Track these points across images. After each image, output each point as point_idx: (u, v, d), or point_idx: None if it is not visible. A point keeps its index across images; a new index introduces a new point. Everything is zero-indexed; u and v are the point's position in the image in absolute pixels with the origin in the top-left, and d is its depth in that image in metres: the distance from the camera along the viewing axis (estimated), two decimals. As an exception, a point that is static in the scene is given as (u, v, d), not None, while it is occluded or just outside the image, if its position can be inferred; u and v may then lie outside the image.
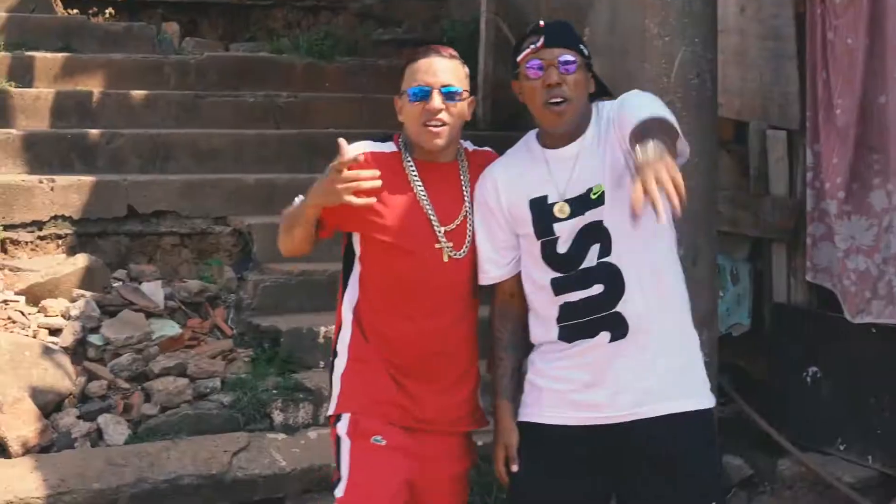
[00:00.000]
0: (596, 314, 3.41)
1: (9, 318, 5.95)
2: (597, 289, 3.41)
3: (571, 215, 3.43)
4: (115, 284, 6.52)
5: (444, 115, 3.48)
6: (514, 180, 3.53)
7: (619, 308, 3.39)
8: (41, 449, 5.32)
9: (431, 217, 3.55)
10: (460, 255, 3.56)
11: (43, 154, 7.15)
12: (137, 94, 7.82)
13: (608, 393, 3.41)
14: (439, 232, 3.55)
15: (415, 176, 3.56)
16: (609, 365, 3.41)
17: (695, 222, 5.31)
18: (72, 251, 6.74)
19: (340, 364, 3.71)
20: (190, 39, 9.13)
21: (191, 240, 7.08)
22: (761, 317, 6.34)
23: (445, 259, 3.55)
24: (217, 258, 6.99)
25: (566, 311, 3.46)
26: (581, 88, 3.41)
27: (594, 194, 3.41)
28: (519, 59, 3.45)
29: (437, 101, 3.46)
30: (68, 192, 6.78)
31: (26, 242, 6.72)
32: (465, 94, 3.54)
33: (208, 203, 7.10)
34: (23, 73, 7.79)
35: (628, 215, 3.23)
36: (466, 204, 3.59)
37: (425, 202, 3.56)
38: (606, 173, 3.40)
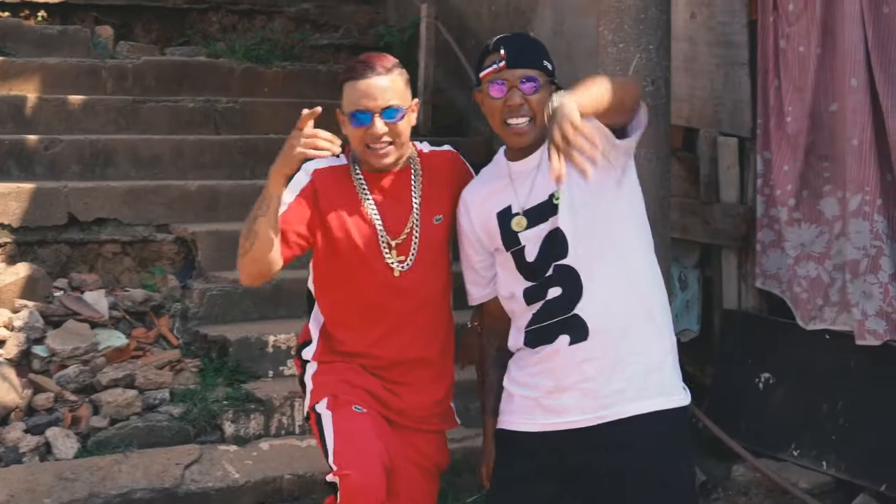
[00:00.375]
0: (554, 318, 3.41)
1: (-51, 330, 5.80)
2: (554, 292, 3.41)
3: (529, 226, 3.44)
4: (56, 294, 6.38)
5: (387, 137, 3.46)
6: (483, 198, 3.55)
7: (577, 311, 3.38)
8: (-13, 464, 5.19)
9: (380, 231, 3.53)
10: (405, 267, 3.53)
11: (-23, 161, 6.99)
12: (75, 99, 7.66)
13: (575, 396, 3.40)
14: (384, 248, 3.53)
15: (363, 189, 3.55)
16: (573, 369, 3.39)
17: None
18: (11, 260, 6.58)
19: (311, 368, 3.72)
20: (124, 43, 8.96)
21: (133, 248, 6.95)
22: (710, 323, 6.37)
23: (396, 274, 3.53)
24: (160, 266, 6.88)
25: (533, 318, 3.46)
26: (543, 106, 3.34)
27: (556, 200, 3.41)
28: (481, 75, 3.43)
29: (378, 126, 3.44)
30: (7, 199, 6.62)
31: (-37, 251, 6.56)
32: (407, 108, 3.50)
33: (150, 210, 6.98)
34: (-52, 78, 7.62)
35: (583, 217, 3.27)
36: (415, 213, 3.56)
37: (374, 216, 3.54)
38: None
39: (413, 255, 3.55)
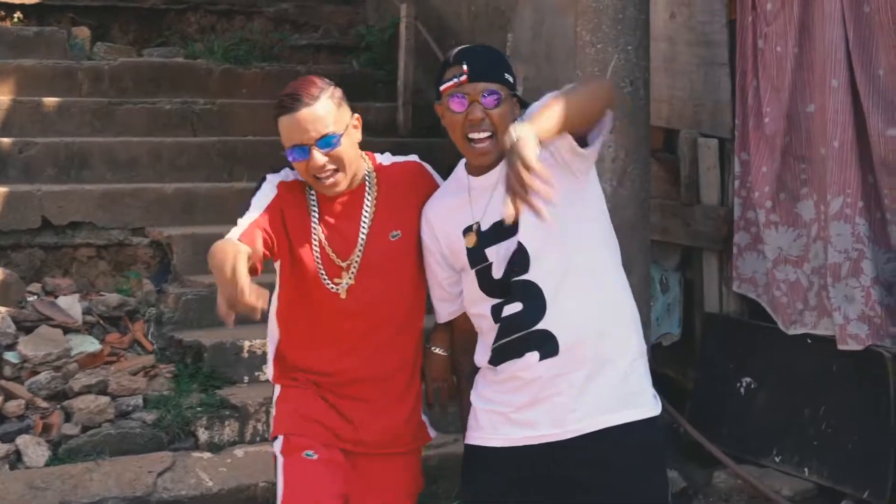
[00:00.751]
0: (516, 333, 3.34)
1: (-82, 336, 5.71)
2: (514, 308, 3.34)
3: (483, 244, 3.36)
4: (29, 299, 6.29)
5: (330, 166, 3.37)
6: (445, 214, 3.48)
7: (543, 326, 3.30)
8: (-45, 473, 5.11)
9: (330, 254, 3.46)
10: (345, 287, 3.46)
11: (-50, 164, 6.90)
12: (50, 101, 7.57)
13: (545, 410, 3.33)
14: (329, 271, 3.44)
15: (314, 211, 3.48)
16: (545, 384, 3.32)
17: (627, 231, 5.27)
18: (-17, 264, 6.50)
19: (277, 390, 3.66)
20: (101, 44, 8.85)
21: (107, 251, 6.87)
22: (691, 327, 6.31)
23: (343, 296, 3.46)
24: (135, 270, 6.79)
25: (497, 335, 3.39)
26: (505, 120, 3.28)
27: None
28: (441, 88, 3.35)
29: (317, 157, 3.34)
30: (-22, 203, 6.54)
31: (-65, 256, 6.47)
32: (345, 129, 3.40)
33: (126, 213, 6.90)
34: (-79, 80, 7.51)
35: (545, 230, 3.19)
36: (362, 232, 3.48)
37: (322, 238, 3.47)
38: None
39: (352, 275, 3.46)
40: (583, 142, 3.28)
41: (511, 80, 3.36)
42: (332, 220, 3.48)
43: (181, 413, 5.63)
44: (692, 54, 6.11)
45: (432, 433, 3.72)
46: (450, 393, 3.67)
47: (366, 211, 3.49)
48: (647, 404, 3.41)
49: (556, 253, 3.29)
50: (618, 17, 5.38)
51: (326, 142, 3.34)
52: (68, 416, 5.52)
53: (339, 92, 3.45)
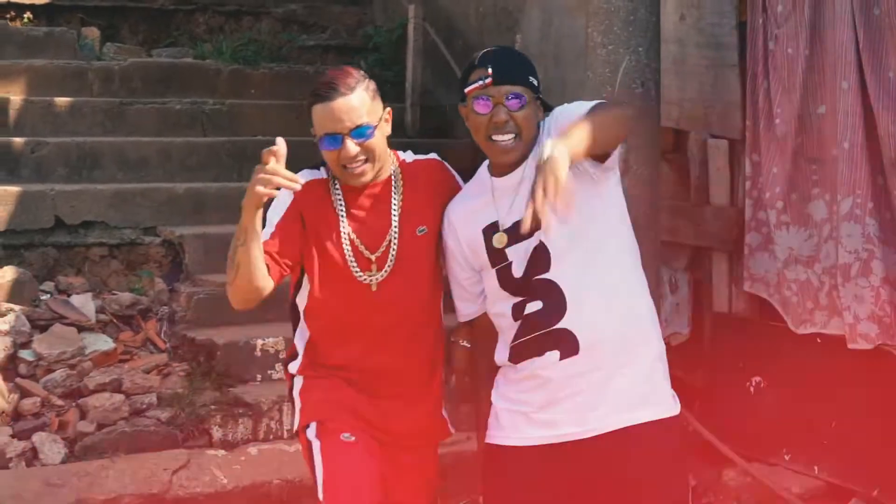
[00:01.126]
0: (535, 332, 3.37)
1: (-67, 335, 5.75)
2: (534, 306, 3.38)
3: (510, 243, 3.40)
4: (42, 297, 6.34)
5: (361, 156, 3.42)
6: (467, 215, 3.52)
7: (563, 325, 3.34)
8: (-28, 470, 5.14)
9: (359, 246, 3.50)
10: (379, 277, 3.50)
11: (-37, 164, 6.94)
12: (62, 101, 7.61)
13: (566, 410, 3.37)
14: (361, 263, 3.49)
15: (341, 205, 3.52)
16: (565, 383, 3.36)
17: (637, 232, 5.25)
18: (-3, 264, 6.54)
19: (297, 383, 3.68)
20: (111, 45, 8.90)
21: (120, 251, 6.91)
22: (700, 326, 6.34)
23: (374, 288, 3.50)
24: (147, 269, 6.83)
25: (516, 333, 3.43)
26: (529, 122, 3.37)
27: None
28: (466, 90, 3.40)
29: (350, 147, 3.40)
30: (-8, 202, 6.58)
31: (-52, 255, 6.51)
32: (378, 121, 3.45)
33: (138, 213, 6.94)
34: (-63, 80, 7.55)
35: (567, 230, 3.26)
36: (394, 226, 3.53)
37: (350, 231, 3.51)
38: None
39: (388, 268, 3.51)
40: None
41: (535, 82, 3.41)
42: (360, 214, 3.52)
43: (195, 411, 5.67)
44: (702, 56, 6.14)
45: (451, 430, 3.76)
46: (470, 387, 3.71)
47: (394, 205, 3.53)
48: (666, 403, 3.44)
49: (578, 252, 3.33)
50: (629, 19, 5.40)
51: (360, 132, 3.39)
52: (83, 414, 5.57)
53: (373, 84, 3.50)
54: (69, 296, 6.38)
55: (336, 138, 3.39)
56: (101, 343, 6.00)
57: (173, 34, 9.70)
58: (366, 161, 3.43)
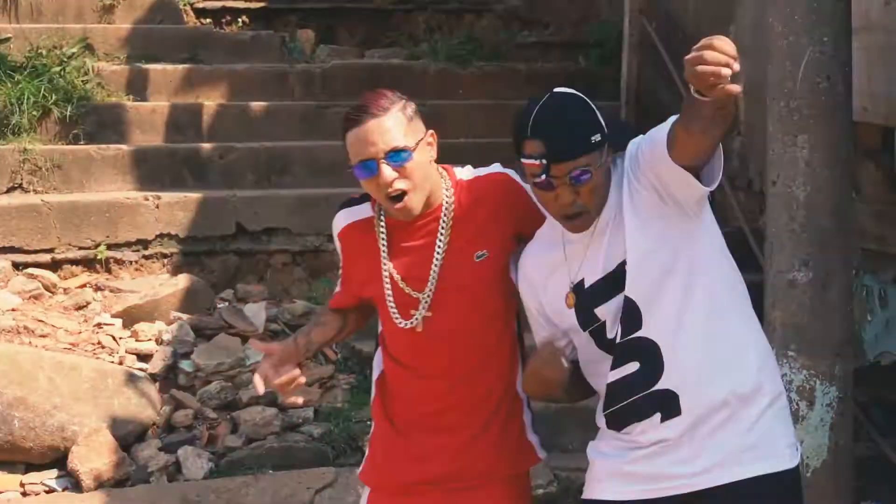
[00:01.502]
0: (637, 394, 2.98)
1: (98, 343, 5.76)
2: (630, 368, 2.98)
3: (584, 304, 3.01)
4: (219, 305, 6.28)
5: (400, 183, 3.08)
6: (547, 274, 3.11)
7: (663, 385, 2.95)
8: (115, 483, 5.10)
9: (401, 285, 3.19)
10: (418, 319, 3.18)
11: (154, 170, 6.99)
12: (257, 105, 7.57)
13: (665, 463, 2.98)
14: (391, 307, 3.19)
15: (384, 242, 3.22)
16: (669, 441, 2.97)
17: (824, 241, 4.78)
18: (177, 270, 6.53)
19: (373, 426, 3.45)
20: (324, 47, 8.85)
21: (303, 258, 6.80)
22: (913, 345, 5.71)
23: (420, 329, 3.18)
24: (328, 278, 6.67)
25: (608, 398, 3.04)
26: (598, 194, 2.93)
27: (627, 266, 2.97)
28: (523, 162, 2.93)
29: (387, 173, 3.06)
30: (174, 209, 6.58)
31: (131, 262, 6.54)
32: (416, 144, 3.12)
33: (322, 219, 6.72)
34: (141, 87, 7.65)
35: (654, 279, 2.89)
36: (436, 260, 3.19)
37: (392, 270, 3.20)
38: (629, 241, 2.95)
39: (429, 305, 3.18)
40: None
41: (599, 137, 2.92)
42: (407, 248, 3.22)
43: (350, 427, 5.46)
44: (911, 44, 5.50)
45: (541, 454, 3.41)
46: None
47: (441, 234, 3.20)
48: (780, 455, 3.01)
49: (668, 303, 2.93)
50: (812, 6, 4.86)
51: (396, 156, 3.08)
52: (235, 427, 5.45)
53: (412, 106, 3.20)
54: (246, 304, 6.30)
55: (371, 164, 3.08)
56: (265, 354, 5.86)
57: (391, 35, 9.55)
58: (405, 192, 3.10)
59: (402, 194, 3.09)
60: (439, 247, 3.20)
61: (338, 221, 3.32)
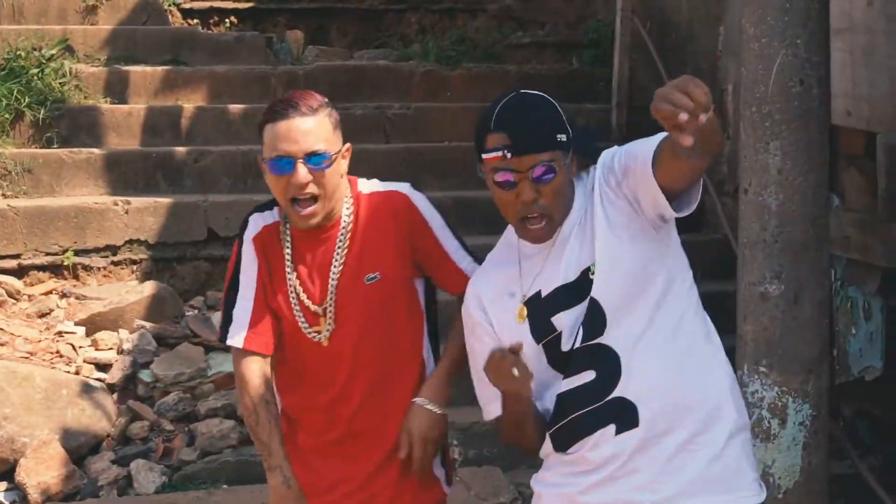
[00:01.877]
0: (588, 406, 2.79)
1: (56, 352, 5.63)
2: (587, 376, 2.79)
3: (539, 315, 2.83)
4: (188, 313, 6.14)
5: (312, 188, 2.97)
6: (500, 292, 2.93)
7: (619, 392, 2.76)
8: (64, 497, 4.99)
9: (303, 299, 3.07)
10: (328, 331, 3.03)
11: (127, 174, 6.84)
12: (235, 108, 7.41)
13: (620, 490, 2.78)
14: (307, 316, 3.07)
15: (288, 253, 3.10)
16: (621, 461, 2.77)
17: (797, 252, 4.60)
18: (147, 277, 6.39)
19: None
20: (313, 48, 8.70)
21: (275, 265, 6.62)
22: (896, 359, 5.50)
23: (325, 343, 3.06)
24: (301, 285, 6.52)
25: (561, 411, 2.84)
26: (561, 193, 2.79)
27: (591, 274, 2.79)
28: (484, 157, 2.78)
29: (302, 173, 2.95)
30: (144, 214, 6.43)
31: (99, 268, 6.41)
32: (336, 153, 3.02)
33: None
34: (120, 89, 7.49)
35: (622, 287, 2.73)
36: (332, 275, 3.06)
37: (296, 283, 3.08)
38: (599, 246, 2.78)
39: (329, 321, 3.07)
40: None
41: (564, 138, 2.79)
42: (308, 261, 3.10)
43: (311, 440, 5.29)
44: (893, 46, 5.29)
45: (446, 489, 3.25)
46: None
47: (338, 250, 3.06)
48: (746, 488, 2.84)
49: (636, 312, 2.77)
50: (784, 7, 4.67)
51: (316, 159, 2.98)
52: (192, 440, 5.30)
53: (336, 115, 3.11)
54: (216, 311, 6.15)
55: (288, 162, 2.96)
56: (228, 364, 5.71)
57: (383, 35, 9.39)
58: (314, 199, 2.98)
59: (310, 199, 2.97)
60: (335, 264, 3.07)
61: (252, 225, 3.17)
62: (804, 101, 4.69)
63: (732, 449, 2.81)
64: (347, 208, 3.10)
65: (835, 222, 5.30)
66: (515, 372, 2.77)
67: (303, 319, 3.07)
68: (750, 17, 4.78)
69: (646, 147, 2.69)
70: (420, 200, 3.16)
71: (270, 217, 3.16)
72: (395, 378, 3.12)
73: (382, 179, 7.10)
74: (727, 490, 2.79)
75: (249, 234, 3.15)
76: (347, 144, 3.11)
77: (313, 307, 3.06)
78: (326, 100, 3.10)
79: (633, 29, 8.08)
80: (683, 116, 2.32)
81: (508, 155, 2.72)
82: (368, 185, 3.17)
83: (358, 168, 6.86)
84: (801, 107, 4.68)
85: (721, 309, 4.63)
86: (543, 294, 2.84)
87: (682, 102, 2.33)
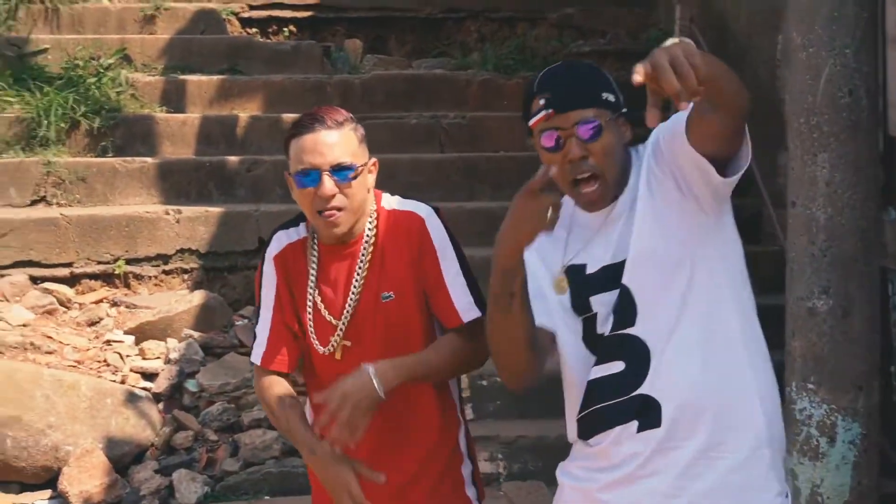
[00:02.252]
0: (615, 398, 2.70)
1: (104, 361, 5.65)
2: (615, 367, 2.70)
3: (585, 291, 2.72)
4: (238, 322, 6.14)
5: (339, 200, 2.95)
6: (542, 255, 2.80)
7: (644, 391, 2.67)
8: (105, 506, 4.98)
9: (322, 312, 3.06)
10: (336, 345, 3.03)
11: (179, 183, 6.88)
12: (289, 117, 7.41)
13: (637, 492, 2.70)
14: (312, 333, 3.05)
15: (313, 267, 3.08)
16: (645, 460, 2.69)
17: (845, 267, 4.50)
18: (198, 286, 6.41)
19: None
20: (371, 56, 8.69)
21: (327, 273, 6.62)
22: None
23: (338, 357, 3.03)
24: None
25: (585, 401, 2.75)
26: (611, 152, 2.66)
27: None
28: (530, 124, 2.70)
29: (328, 185, 2.93)
30: (195, 223, 6.46)
31: (150, 277, 6.44)
32: (362, 166, 3.00)
33: (348, 234, 6.63)
34: (176, 98, 7.54)
35: (659, 276, 2.63)
36: (353, 290, 3.03)
37: (316, 296, 3.06)
38: (636, 228, 2.69)
39: (339, 334, 3.04)
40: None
41: (612, 98, 2.70)
42: (332, 276, 3.08)
43: (355, 452, 5.27)
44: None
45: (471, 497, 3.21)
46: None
47: (360, 264, 3.05)
48: (774, 497, 2.73)
49: (670, 303, 2.66)
50: (832, 16, 4.58)
51: (342, 172, 2.97)
52: (236, 451, 5.30)
53: (362, 129, 3.09)
54: (266, 321, 6.15)
55: (314, 175, 2.95)
56: (276, 374, 5.71)
57: (442, 44, 9.35)
58: (340, 210, 2.96)
59: (336, 211, 2.96)
60: (357, 279, 3.04)
61: (276, 243, 3.14)
62: (853, 111, 4.59)
63: (760, 462, 2.71)
64: (371, 223, 3.08)
65: (891, 235, 5.18)
66: (550, 213, 2.54)
67: (313, 333, 3.05)
68: (797, 26, 4.69)
69: (683, 116, 2.61)
70: (435, 226, 3.11)
71: (296, 234, 3.14)
72: (417, 397, 3.07)
73: (437, 188, 7.10)
74: (750, 500, 2.68)
75: (271, 253, 3.14)
76: (374, 159, 3.09)
77: (332, 320, 3.04)
78: (351, 115, 3.09)
79: (691, 37, 7.99)
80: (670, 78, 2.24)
81: (550, 111, 2.64)
82: (390, 202, 3.14)
83: (412, 177, 6.96)
84: (849, 118, 4.59)
85: (779, 322, 4.58)
86: (588, 270, 2.74)
87: (670, 86, 2.26)
